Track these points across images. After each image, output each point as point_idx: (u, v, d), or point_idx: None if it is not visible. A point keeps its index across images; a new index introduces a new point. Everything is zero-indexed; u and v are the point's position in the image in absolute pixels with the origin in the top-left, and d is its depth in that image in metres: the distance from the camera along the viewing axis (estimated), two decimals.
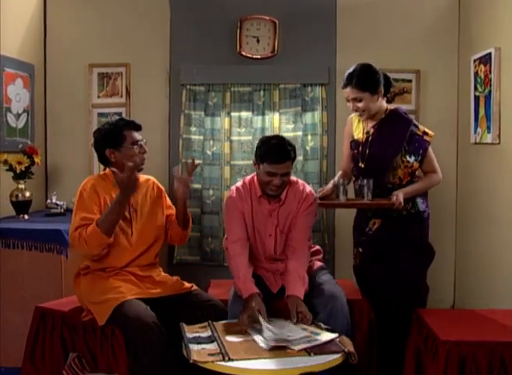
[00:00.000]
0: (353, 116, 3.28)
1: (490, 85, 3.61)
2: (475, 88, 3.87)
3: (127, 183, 2.68)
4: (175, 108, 4.36)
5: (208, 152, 4.36)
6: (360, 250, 3.24)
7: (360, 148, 3.19)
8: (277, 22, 4.27)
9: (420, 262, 3.17)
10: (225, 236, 3.09)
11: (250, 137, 4.33)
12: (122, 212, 2.77)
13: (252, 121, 4.34)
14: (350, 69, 3.10)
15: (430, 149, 3.15)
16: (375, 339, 3.00)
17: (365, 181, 3.02)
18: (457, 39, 4.31)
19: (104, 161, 2.92)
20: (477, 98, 3.84)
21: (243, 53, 4.30)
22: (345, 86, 3.09)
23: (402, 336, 2.93)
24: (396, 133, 3.10)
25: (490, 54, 3.59)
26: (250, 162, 4.19)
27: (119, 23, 4.38)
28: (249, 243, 3.03)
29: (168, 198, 3.11)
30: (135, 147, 2.86)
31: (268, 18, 4.28)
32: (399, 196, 2.96)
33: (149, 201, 2.98)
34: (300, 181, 3.13)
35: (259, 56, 4.31)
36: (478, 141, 3.84)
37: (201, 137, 4.34)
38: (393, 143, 3.10)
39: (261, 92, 4.34)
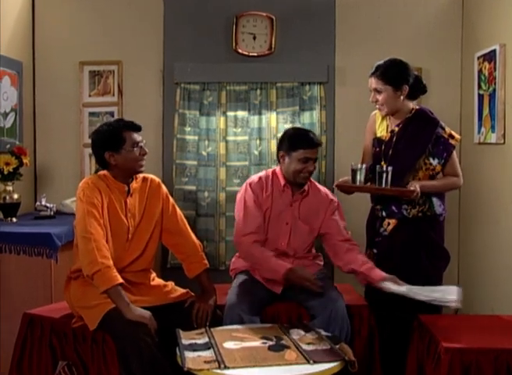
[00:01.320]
0: (377, 112, 3.23)
1: (495, 83, 3.60)
2: (479, 86, 3.85)
3: (144, 320, 2.57)
4: (169, 107, 4.31)
5: (203, 153, 4.29)
6: (375, 251, 3.18)
7: (383, 147, 3.13)
8: (274, 18, 4.22)
9: (435, 265, 3.12)
10: (236, 229, 3.02)
11: (247, 138, 4.28)
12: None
13: (248, 121, 4.29)
14: (381, 61, 3.08)
15: (454, 153, 3.12)
16: (376, 346, 2.95)
17: (385, 168, 2.97)
18: (461, 35, 4.29)
19: (103, 164, 2.83)
20: (481, 97, 3.82)
21: (239, 51, 4.25)
22: (370, 75, 3.07)
23: (406, 342, 2.87)
24: (423, 134, 3.06)
25: (495, 51, 3.58)
26: (247, 163, 4.25)
27: (110, 18, 4.33)
28: None
29: (175, 206, 3.01)
30: (135, 149, 2.78)
31: (264, 14, 4.23)
32: (416, 186, 2.94)
33: (147, 205, 2.89)
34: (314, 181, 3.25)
35: (256, 54, 4.26)
36: (481, 140, 3.83)
37: (196, 138, 4.28)
38: (419, 144, 3.05)
39: (258, 91, 4.28)
